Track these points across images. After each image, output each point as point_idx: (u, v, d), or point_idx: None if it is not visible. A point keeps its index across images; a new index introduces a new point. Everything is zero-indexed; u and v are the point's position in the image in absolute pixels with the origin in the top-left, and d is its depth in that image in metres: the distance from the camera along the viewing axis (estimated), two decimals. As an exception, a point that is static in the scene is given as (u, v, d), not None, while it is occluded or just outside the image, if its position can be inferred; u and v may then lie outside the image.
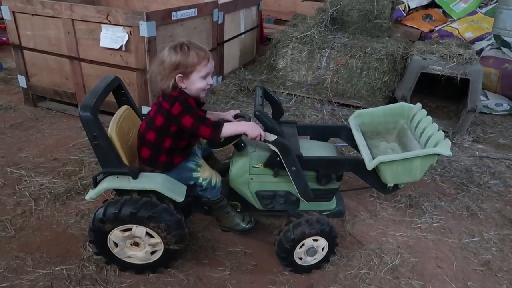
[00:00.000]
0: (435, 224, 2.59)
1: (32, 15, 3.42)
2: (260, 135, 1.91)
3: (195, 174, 2.02)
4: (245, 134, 1.92)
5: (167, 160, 1.97)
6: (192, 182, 2.03)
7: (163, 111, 1.88)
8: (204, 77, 1.88)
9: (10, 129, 3.48)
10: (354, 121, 2.41)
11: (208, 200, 2.08)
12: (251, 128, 1.90)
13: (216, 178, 2.05)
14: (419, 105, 2.33)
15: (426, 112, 2.25)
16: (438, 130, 2.03)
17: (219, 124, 1.87)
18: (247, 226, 2.27)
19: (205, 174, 2.02)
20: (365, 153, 2.06)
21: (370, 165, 1.97)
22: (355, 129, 2.32)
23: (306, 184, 2.01)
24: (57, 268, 2.07)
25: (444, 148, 1.90)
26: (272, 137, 1.91)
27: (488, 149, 3.62)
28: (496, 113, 4.41)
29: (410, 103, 2.44)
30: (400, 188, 2.20)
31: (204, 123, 1.85)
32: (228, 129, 1.89)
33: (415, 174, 2.00)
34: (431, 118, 2.18)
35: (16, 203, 2.54)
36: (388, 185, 2.08)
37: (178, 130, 1.90)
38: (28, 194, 2.62)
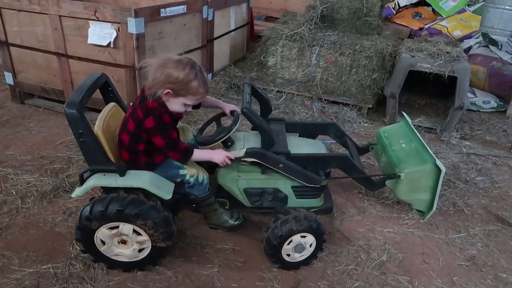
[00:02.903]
0: (422, 220, 2.62)
1: (19, 11, 3.37)
2: (227, 156, 1.97)
3: (181, 171, 2.02)
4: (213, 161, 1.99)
5: (147, 160, 1.97)
6: (179, 179, 2.02)
7: (135, 117, 1.86)
8: (187, 105, 1.88)
9: (-4, 126, 3.44)
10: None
11: (195, 197, 2.08)
12: (217, 155, 1.98)
13: (203, 175, 2.05)
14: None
15: None
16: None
17: (188, 152, 1.92)
18: (235, 222, 2.27)
19: (192, 171, 2.02)
20: (428, 148, 2.20)
21: (438, 162, 2.10)
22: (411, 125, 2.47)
23: (304, 172, 2.02)
24: (43, 267, 2.06)
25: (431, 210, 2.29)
26: (241, 152, 1.96)
27: (475, 146, 3.67)
28: (484, 110, 4.46)
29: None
30: (385, 186, 2.24)
31: (173, 149, 1.89)
32: (197, 156, 1.97)
33: (409, 194, 2.29)
34: None
35: (3, 202, 2.51)
36: (397, 174, 2.18)
37: (149, 138, 1.89)
38: (14, 192, 2.59)
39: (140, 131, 1.87)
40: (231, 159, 1.99)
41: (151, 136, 1.85)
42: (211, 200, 2.14)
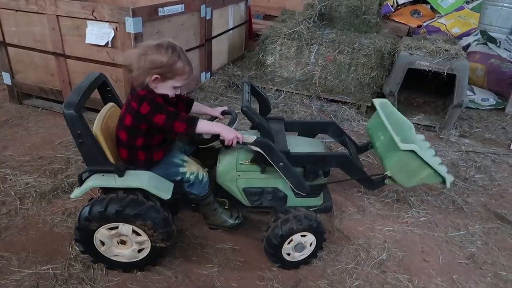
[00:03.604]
0: (422, 219, 2.62)
1: (16, 11, 3.36)
2: (237, 137, 1.89)
3: (181, 169, 2.01)
4: (221, 136, 1.91)
5: (146, 158, 1.95)
6: (179, 178, 2.01)
7: (131, 110, 1.85)
8: (177, 88, 1.87)
9: (-6, 127, 3.43)
10: (380, 107, 2.40)
11: (195, 196, 2.07)
12: (227, 131, 1.89)
13: (203, 173, 2.04)
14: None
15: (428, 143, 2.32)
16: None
17: (194, 119, 1.84)
18: (235, 222, 2.26)
19: (192, 168, 2.01)
20: (394, 133, 2.07)
21: (403, 146, 1.99)
22: (381, 111, 2.31)
23: (298, 177, 2.01)
24: (43, 268, 2.05)
25: (450, 179, 2.05)
26: (251, 138, 1.91)
27: (474, 144, 3.67)
28: (482, 108, 4.46)
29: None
30: (385, 184, 2.23)
31: (178, 119, 1.82)
32: (204, 126, 1.87)
33: (411, 180, 2.08)
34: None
35: (1, 202, 2.50)
36: (385, 173, 2.11)
37: (149, 128, 1.87)
38: (13, 193, 2.58)
39: (139, 123, 1.85)
40: (238, 143, 1.93)
41: (151, 119, 1.80)
42: (211, 199, 2.13)
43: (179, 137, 2.19)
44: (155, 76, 1.79)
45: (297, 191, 2.06)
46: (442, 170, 2.06)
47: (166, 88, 1.85)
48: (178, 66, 1.80)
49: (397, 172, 2.08)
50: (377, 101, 2.43)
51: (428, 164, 2.02)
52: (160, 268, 2.10)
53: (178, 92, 1.92)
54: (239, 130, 2.62)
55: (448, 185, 2.07)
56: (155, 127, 1.84)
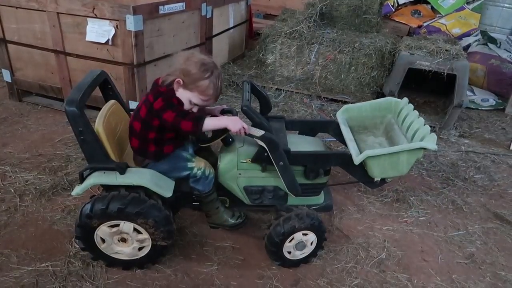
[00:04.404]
0: (421, 218, 2.63)
1: (16, 8, 3.35)
2: (244, 128, 1.89)
3: (190, 164, 2.01)
4: (228, 129, 1.91)
5: (156, 150, 1.97)
6: (186, 173, 2.02)
7: (147, 102, 1.89)
8: (193, 104, 1.89)
9: (-6, 124, 3.43)
10: (342, 115, 2.42)
11: (199, 193, 2.07)
12: (233, 123, 1.89)
13: (210, 169, 2.06)
14: (405, 99, 2.35)
15: (412, 106, 2.27)
16: (424, 125, 2.05)
17: (200, 118, 1.86)
18: (237, 221, 2.26)
19: (200, 164, 2.02)
20: (352, 148, 2.07)
21: (357, 159, 1.98)
22: (342, 124, 2.33)
23: (294, 179, 2.02)
24: (42, 265, 2.05)
25: (430, 142, 1.92)
26: (259, 132, 1.91)
27: (474, 144, 3.67)
28: (482, 108, 4.47)
29: (397, 98, 2.45)
30: (387, 183, 2.23)
31: (185, 118, 1.83)
32: (210, 124, 1.88)
33: (401, 168, 2.01)
34: (417, 113, 2.20)
35: (1, 199, 2.50)
36: (375, 180, 2.10)
37: (161, 125, 1.89)
38: (13, 190, 2.58)
39: (152, 117, 1.88)
40: (245, 134, 1.92)
41: (161, 115, 1.83)
42: (214, 197, 2.13)
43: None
44: (179, 79, 1.84)
45: (289, 192, 2.07)
46: (414, 145, 1.94)
47: (184, 98, 1.88)
48: (202, 83, 1.83)
49: (383, 173, 2.07)
50: (337, 114, 2.45)
51: (397, 151, 1.96)
52: (159, 266, 2.10)
53: (194, 110, 1.93)
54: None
55: (433, 147, 1.92)
56: (165, 124, 1.86)
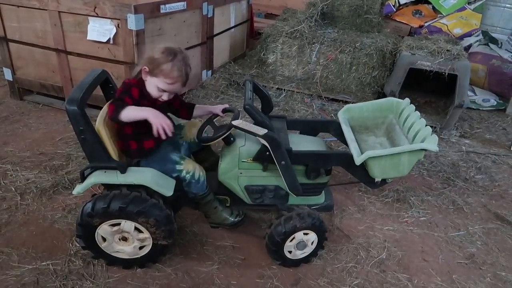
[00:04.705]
0: (422, 218, 2.63)
1: (18, 6, 3.35)
2: (167, 124, 1.78)
3: (178, 167, 2.00)
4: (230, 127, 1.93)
5: (138, 147, 1.97)
6: (175, 175, 2.01)
7: None
8: (161, 90, 1.90)
9: (-5, 122, 3.43)
10: (343, 115, 2.42)
11: (194, 195, 2.07)
12: (154, 115, 1.78)
13: (199, 172, 2.04)
14: (407, 100, 2.35)
15: (414, 107, 2.27)
16: (426, 126, 2.05)
17: (122, 105, 1.79)
18: (236, 219, 2.25)
19: (188, 167, 2.01)
20: (353, 148, 2.07)
21: (358, 160, 1.98)
22: (344, 124, 2.33)
23: (295, 179, 2.02)
24: (43, 263, 2.05)
25: (431, 143, 1.92)
26: (262, 131, 1.91)
27: (474, 144, 3.67)
28: (483, 109, 4.47)
29: (398, 98, 2.45)
30: (387, 183, 2.23)
31: (113, 101, 1.83)
32: (131, 113, 1.79)
33: (402, 169, 2.01)
34: (419, 113, 2.20)
35: (2, 198, 2.50)
36: (376, 180, 2.10)
37: None
38: (14, 189, 2.58)
39: None
40: (249, 132, 1.91)
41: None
42: (210, 198, 2.13)
43: (188, 134, 2.22)
44: (145, 66, 1.87)
45: (290, 191, 2.07)
46: (416, 146, 1.94)
47: (151, 86, 1.90)
48: (165, 67, 1.84)
49: (383, 174, 2.07)
50: (339, 114, 2.44)
51: (391, 153, 1.96)
52: (160, 265, 2.10)
53: (164, 97, 1.92)
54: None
55: (435, 149, 1.91)
56: None
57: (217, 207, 2.19)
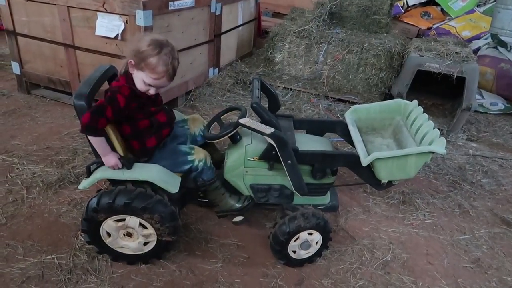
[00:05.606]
0: (427, 221, 2.61)
1: (27, 0, 3.37)
2: (117, 165, 1.84)
3: (190, 157, 2.01)
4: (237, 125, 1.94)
5: (140, 146, 1.96)
6: (188, 166, 2.01)
7: None
8: (147, 84, 1.85)
9: (2, 116, 3.44)
10: (350, 116, 2.41)
11: (204, 182, 2.06)
12: (107, 157, 1.83)
13: (209, 158, 2.06)
14: (415, 102, 2.33)
15: (422, 109, 2.25)
16: (434, 128, 2.03)
17: (95, 127, 1.75)
18: (244, 204, 2.16)
19: (200, 155, 2.01)
20: (360, 149, 2.06)
21: (365, 161, 1.97)
22: (351, 125, 2.32)
23: (300, 178, 2.01)
24: (48, 257, 2.06)
25: (439, 146, 1.90)
26: (269, 129, 1.91)
27: (481, 148, 3.64)
28: (491, 112, 4.43)
29: (406, 100, 2.44)
30: (393, 185, 2.21)
31: (92, 111, 1.74)
32: (95, 142, 1.81)
33: (409, 171, 2.00)
34: (427, 116, 2.18)
35: (8, 191, 2.51)
36: (382, 182, 2.09)
37: (127, 114, 1.87)
38: (20, 182, 2.60)
39: None
40: (254, 130, 1.91)
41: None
42: (218, 184, 2.12)
43: (191, 128, 2.22)
44: (131, 59, 1.82)
45: (295, 191, 2.06)
46: (423, 148, 1.93)
47: (138, 79, 1.85)
48: (150, 60, 1.79)
49: (390, 176, 2.05)
50: (346, 115, 2.42)
51: (399, 155, 1.95)
52: (164, 262, 2.10)
53: (151, 91, 1.88)
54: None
55: (443, 152, 1.90)
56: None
57: (225, 193, 2.16)
